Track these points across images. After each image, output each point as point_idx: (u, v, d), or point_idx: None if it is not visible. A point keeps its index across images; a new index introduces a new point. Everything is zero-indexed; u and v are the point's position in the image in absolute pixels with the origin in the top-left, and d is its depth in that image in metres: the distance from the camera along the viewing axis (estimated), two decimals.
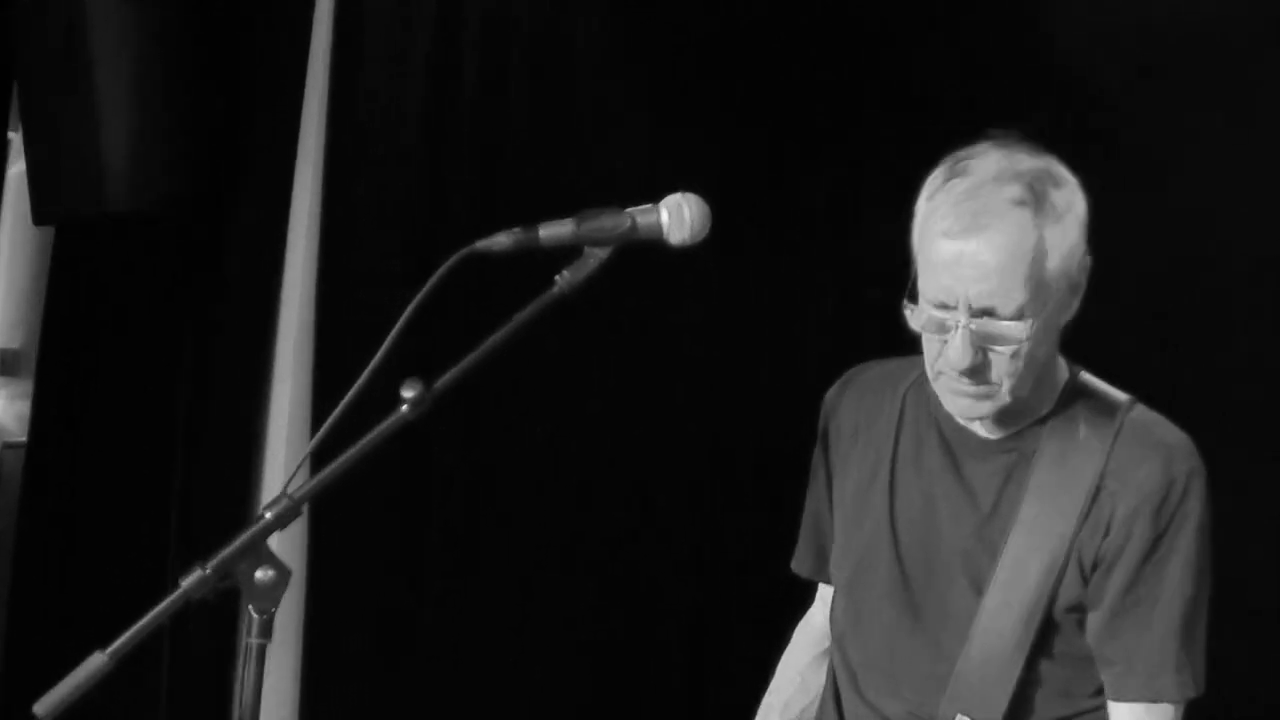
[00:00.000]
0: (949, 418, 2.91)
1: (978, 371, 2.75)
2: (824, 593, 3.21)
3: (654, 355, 4.95)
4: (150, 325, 5.33)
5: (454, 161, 5.17)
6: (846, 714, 2.99)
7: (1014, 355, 2.74)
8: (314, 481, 2.54)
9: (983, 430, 2.88)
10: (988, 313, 2.72)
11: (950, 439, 2.91)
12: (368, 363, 5.12)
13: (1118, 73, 4.34)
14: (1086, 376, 2.91)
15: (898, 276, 4.06)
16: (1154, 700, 2.81)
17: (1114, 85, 4.32)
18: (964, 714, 2.81)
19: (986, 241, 2.70)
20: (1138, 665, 2.81)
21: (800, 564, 3.20)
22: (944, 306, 2.74)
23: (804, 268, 4.79)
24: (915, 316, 2.78)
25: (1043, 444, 2.83)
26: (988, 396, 2.79)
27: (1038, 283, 2.71)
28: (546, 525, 4.99)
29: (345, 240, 5.16)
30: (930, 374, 2.83)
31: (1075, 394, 2.87)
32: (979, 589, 2.83)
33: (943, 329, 2.75)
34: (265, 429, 5.22)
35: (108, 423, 5.36)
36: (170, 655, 5.21)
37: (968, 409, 2.82)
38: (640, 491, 4.95)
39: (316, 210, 5.18)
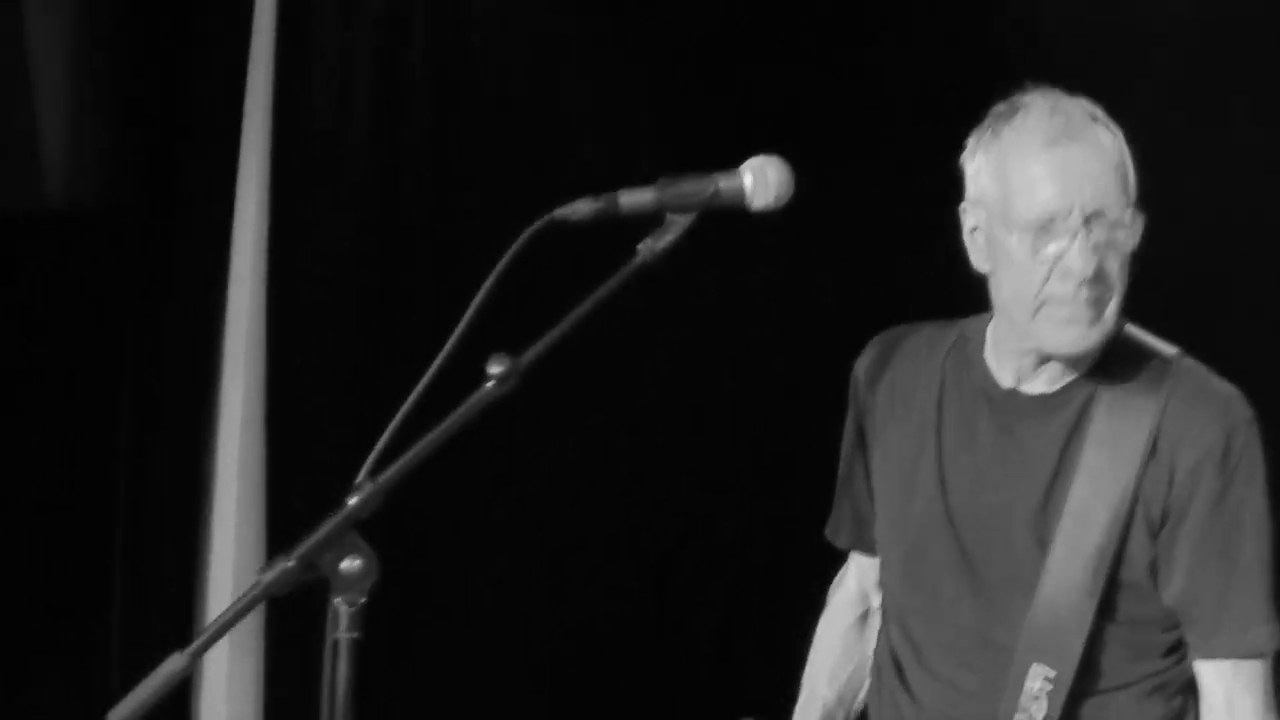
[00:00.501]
0: (994, 382, 2.88)
1: (1098, 280, 2.74)
2: (858, 559, 3.18)
3: (687, 347, 4.87)
4: (90, 324, 5.13)
5: (406, 140, 5.07)
6: (914, 688, 2.95)
7: (1123, 263, 2.77)
8: (398, 466, 2.40)
9: (1034, 387, 2.86)
10: (1098, 215, 2.74)
11: (999, 402, 2.88)
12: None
13: (1113, 72, 4.34)
14: (1132, 328, 2.91)
15: (895, 267, 4.01)
16: (1244, 656, 2.80)
17: (1111, 84, 4.32)
18: (1039, 663, 2.78)
19: (1088, 144, 2.76)
20: (1226, 621, 2.79)
21: (836, 533, 3.17)
22: (1050, 223, 2.73)
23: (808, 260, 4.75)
24: (1014, 252, 2.75)
25: (1096, 397, 2.83)
26: (1096, 320, 2.77)
27: (1130, 187, 2.78)
28: (575, 517, 4.89)
29: (295, 228, 5.03)
30: (1029, 310, 2.78)
31: (1123, 346, 2.87)
32: (1044, 548, 2.80)
33: (1052, 243, 2.74)
34: (216, 427, 5.05)
35: (45, 429, 5.15)
36: (121, 656, 5.02)
37: (1078, 338, 2.79)
38: (680, 481, 4.86)
39: (264, 199, 5.02)
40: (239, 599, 2.37)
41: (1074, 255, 2.73)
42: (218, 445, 5.05)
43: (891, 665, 2.98)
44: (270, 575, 2.36)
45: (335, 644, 2.37)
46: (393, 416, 4.89)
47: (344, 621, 2.38)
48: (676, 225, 2.54)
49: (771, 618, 4.70)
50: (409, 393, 4.95)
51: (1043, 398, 2.86)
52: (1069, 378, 2.85)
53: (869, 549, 3.12)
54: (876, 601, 3.14)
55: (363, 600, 2.38)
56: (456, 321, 4.98)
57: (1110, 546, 2.78)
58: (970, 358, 2.94)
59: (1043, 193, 2.73)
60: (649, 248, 2.53)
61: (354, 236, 5.03)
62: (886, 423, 3.01)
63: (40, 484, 5.11)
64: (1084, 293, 2.75)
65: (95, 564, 5.06)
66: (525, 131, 5.02)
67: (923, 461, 2.93)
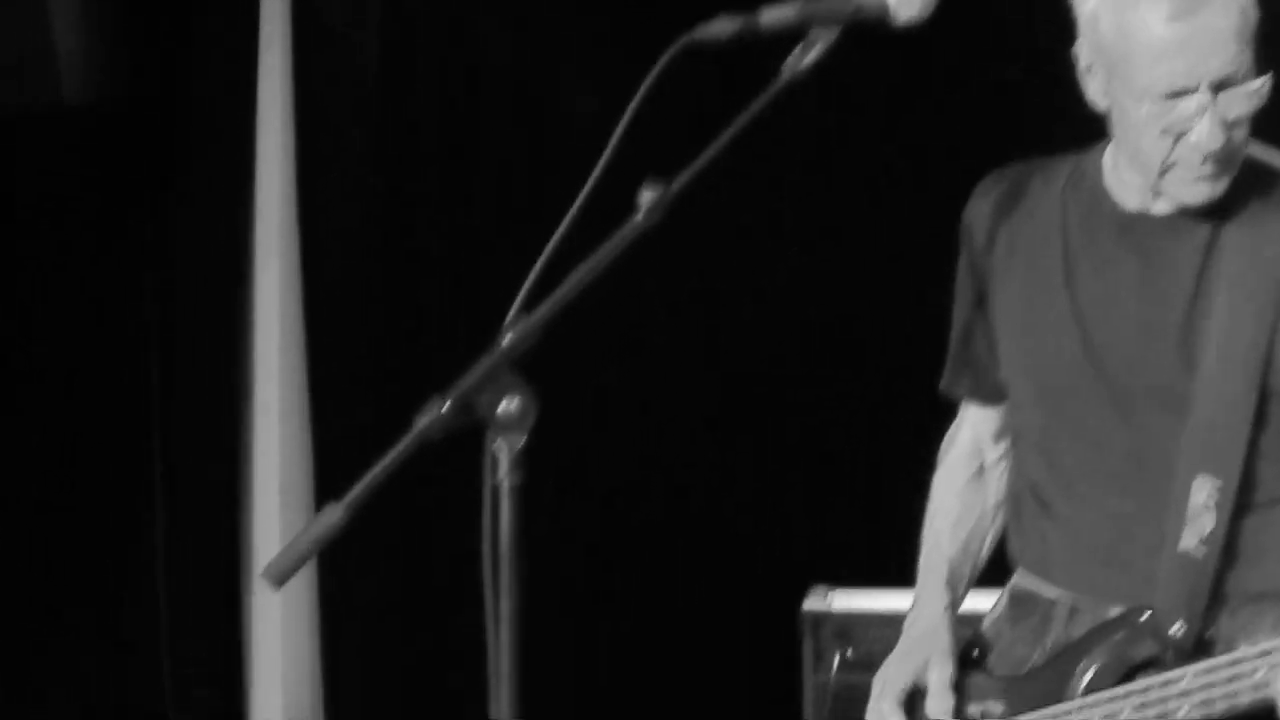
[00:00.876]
0: (1119, 207, 2.84)
1: (1224, 150, 2.70)
2: (973, 413, 3.09)
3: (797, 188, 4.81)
4: (109, 231, 4.99)
5: (425, 37, 4.96)
6: (1064, 520, 2.88)
7: (1247, 122, 2.73)
8: (554, 299, 2.28)
9: (1162, 207, 2.81)
10: (1226, 84, 2.68)
11: (1128, 225, 2.84)
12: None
13: None
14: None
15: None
16: None
17: None
18: (1204, 474, 2.75)
19: (1213, 11, 2.67)
20: None
21: (952, 385, 3.09)
22: (1178, 94, 2.68)
23: None
24: (1137, 119, 2.70)
25: (1229, 211, 2.79)
26: (1223, 174, 2.74)
27: (1252, 38, 2.71)
28: (685, 383, 4.83)
29: (322, 118, 4.91)
30: (1154, 172, 2.74)
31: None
32: (1191, 365, 2.77)
33: (1177, 120, 2.69)
34: (250, 327, 4.92)
35: (70, 329, 4.99)
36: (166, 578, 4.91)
37: (1207, 193, 2.75)
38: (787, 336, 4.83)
39: (289, 90, 4.89)
40: (396, 447, 2.24)
41: (1201, 131, 2.68)
42: (254, 347, 4.93)
43: (1033, 501, 2.93)
44: (426, 419, 2.24)
45: (495, 490, 2.25)
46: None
47: (505, 466, 2.26)
48: (820, 41, 2.43)
49: (864, 488, 4.67)
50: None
51: (1173, 217, 2.81)
52: None
53: (987, 399, 3.05)
54: (992, 455, 3.08)
55: (523, 442, 2.26)
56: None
57: (1258, 357, 2.74)
58: (1091, 186, 2.88)
59: (1169, 66, 2.66)
60: (792, 66, 2.43)
61: (383, 120, 4.91)
62: (1007, 264, 2.94)
63: (64, 387, 4.97)
64: (1209, 163, 2.72)
65: (133, 476, 4.96)
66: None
67: (1053, 295, 2.87)
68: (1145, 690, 2.71)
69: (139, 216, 4.96)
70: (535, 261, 2.33)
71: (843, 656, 4.24)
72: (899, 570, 4.21)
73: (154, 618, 4.92)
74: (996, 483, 3.06)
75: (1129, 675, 2.76)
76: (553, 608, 4.74)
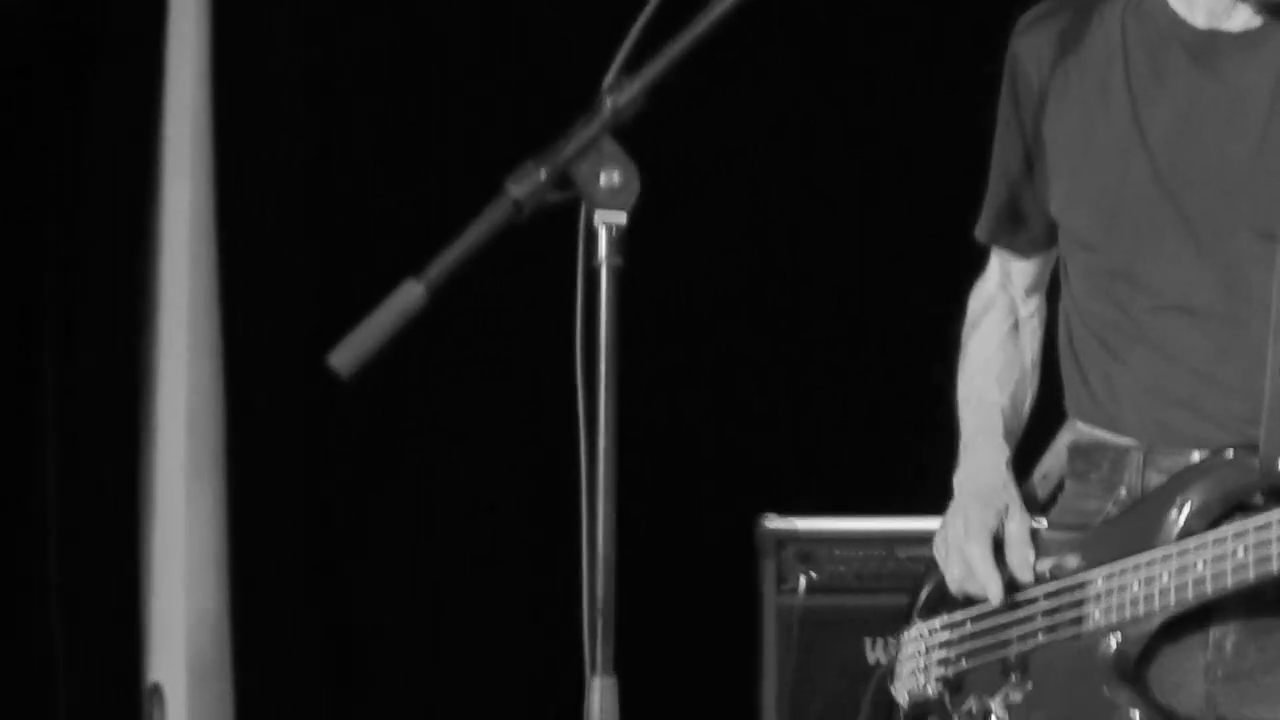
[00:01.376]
0: (1186, 24, 2.71)
1: None
2: (1006, 265, 2.96)
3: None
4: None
5: None
6: (1133, 362, 2.72)
7: None
8: (658, 61, 2.04)
9: (1234, 24, 2.70)
10: None
11: (1197, 44, 2.71)
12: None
13: None
14: None
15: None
16: None
17: None
18: None
19: None
20: None
21: (990, 231, 2.94)
22: None
23: None
24: None
25: None
26: None
27: None
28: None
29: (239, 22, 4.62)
30: None
31: None
32: (1270, 189, 2.63)
33: None
34: (158, 234, 4.62)
35: None
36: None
37: None
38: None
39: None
40: (481, 219, 1.99)
41: None
42: (160, 256, 4.64)
43: (1098, 348, 2.76)
44: (519, 187, 1.99)
45: (593, 271, 2.01)
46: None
47: (604, 245, 2.01)
48: None
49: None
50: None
51: (1247, 34, 2.69)
52: (1269, 13, 2.68)
53: (1025, 250, 2.92)
54: (1024, 311, 2.96)
55: (624, 221, 2.02)
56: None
57: None
58: (1151, 7, 2.75)
59: None
60: None
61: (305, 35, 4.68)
62: (1063, 96, 2.79)
63: None
64: None
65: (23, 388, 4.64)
66: None
67: (1118, 124, 2.73)
68: (1265, 526, 2.51)
69: (42, 126, 4.65)
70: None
71: (808, 580, 4.09)
72: (849, 500, 4.09)
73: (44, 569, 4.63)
74: (1030, 338, 2.94)
75: (1225, 517, 2.57)
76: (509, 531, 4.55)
